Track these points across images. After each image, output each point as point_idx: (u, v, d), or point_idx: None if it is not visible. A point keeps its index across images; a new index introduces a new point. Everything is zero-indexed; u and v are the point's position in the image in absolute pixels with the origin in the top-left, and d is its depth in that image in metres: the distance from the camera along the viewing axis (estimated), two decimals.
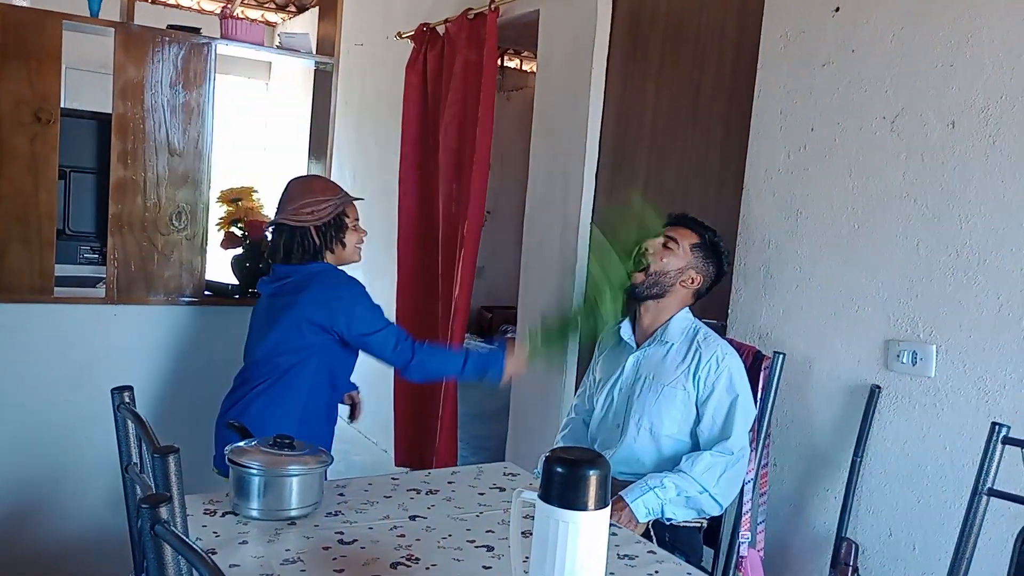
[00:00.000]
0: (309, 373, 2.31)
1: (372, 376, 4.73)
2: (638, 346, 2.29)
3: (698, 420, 2.17)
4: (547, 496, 1.21)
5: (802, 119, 2.43)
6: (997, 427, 1.71)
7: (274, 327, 2.32)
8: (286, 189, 2.42)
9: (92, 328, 2.83)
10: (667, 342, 2.23)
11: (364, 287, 2.35)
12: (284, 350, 2.30)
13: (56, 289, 2.78)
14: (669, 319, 2.25)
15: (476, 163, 3.57)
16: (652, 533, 2.06)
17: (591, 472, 1.20)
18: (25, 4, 2.77)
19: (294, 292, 2.31)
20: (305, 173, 2.62)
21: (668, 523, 2.09)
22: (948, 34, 2.09)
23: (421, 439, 4.20)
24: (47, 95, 2.69)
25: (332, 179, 2.57)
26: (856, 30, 2.30)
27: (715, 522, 2.24)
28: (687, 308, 2.28)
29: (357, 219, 2.46)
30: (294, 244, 2.35)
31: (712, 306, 2.63)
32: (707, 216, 2.71)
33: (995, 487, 1.71)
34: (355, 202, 2.46)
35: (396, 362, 2.32)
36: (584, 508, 1.19)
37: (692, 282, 2.25)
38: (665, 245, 2.25)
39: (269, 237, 2.45)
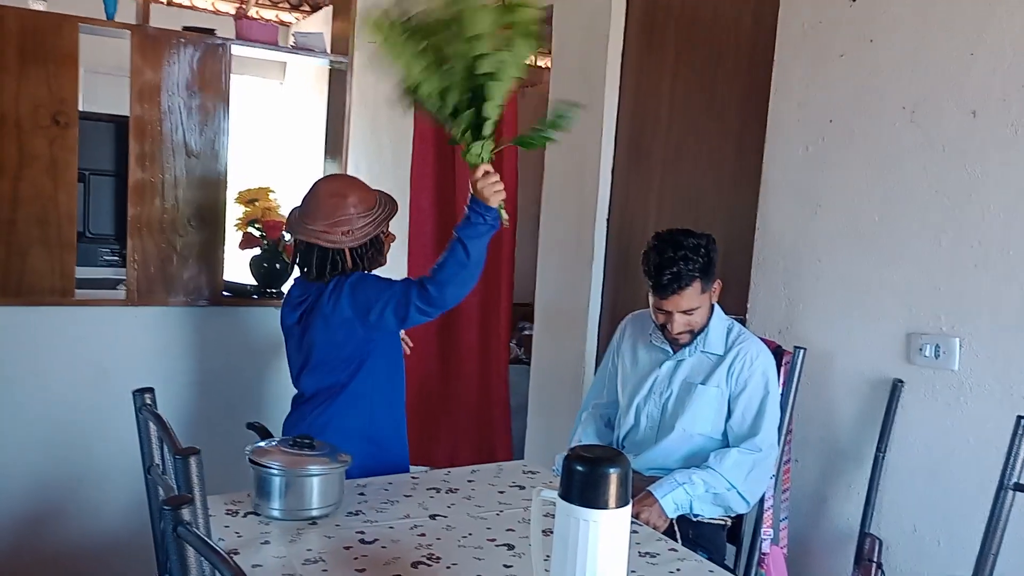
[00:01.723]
0: (368, 383, 2.19)
1: None
2: (673, 351, 2.26)
3: (728, 416, 2.16)
4: (567, 495, 1.21)
5: (820, 111, 2.41)
6: (1022, 420, 1.69)
7: (313, 350, 2.20)
8: (315, 195, 2.22)
9: (113, 330, 2.85)
10: (707, 351, 2.20)
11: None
12: (335, 369, 2.18)
13: (77, 291, 2.81)
14: (707, 326, 2.21)
15: (504, 162, 3.58)
16: (676, 529, 2.05)
17: (611, 470, 1.19)
18: (42, 8, 2.79)
19: (319, 307, 2.19)
20: (332, 174, 2.36)
21: (695, 519, 2.09)
22: (967, 22, 2.06)
23: (430, 437, 4.19)
24: (65, 98, 2.70)
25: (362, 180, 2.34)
26: (874, 20, 2.27)
27: (738, 519, 2.23)
28: (719, 309, 2.25)
29: (389, 226, 2.31)
30: (327, 264, 2.18)
31: (731, 300, 2.62)
32: (723, 211, 2.71)
33: (1021, 482, 1.69)
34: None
35: (423, 307, 2.08)
36: (605, 506, 1.19)
37: (716, 293, 2.22)
38: (687, 313, 2.13)
39: (292, 243, 2.25)
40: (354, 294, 2.15)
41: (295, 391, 2.31)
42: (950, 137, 2.09)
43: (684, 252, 2.09)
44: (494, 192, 2.03)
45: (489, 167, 2.02)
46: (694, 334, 2.19)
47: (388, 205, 2.27)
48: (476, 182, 2.03)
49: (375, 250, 2.24)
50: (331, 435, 1.99)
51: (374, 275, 2.22)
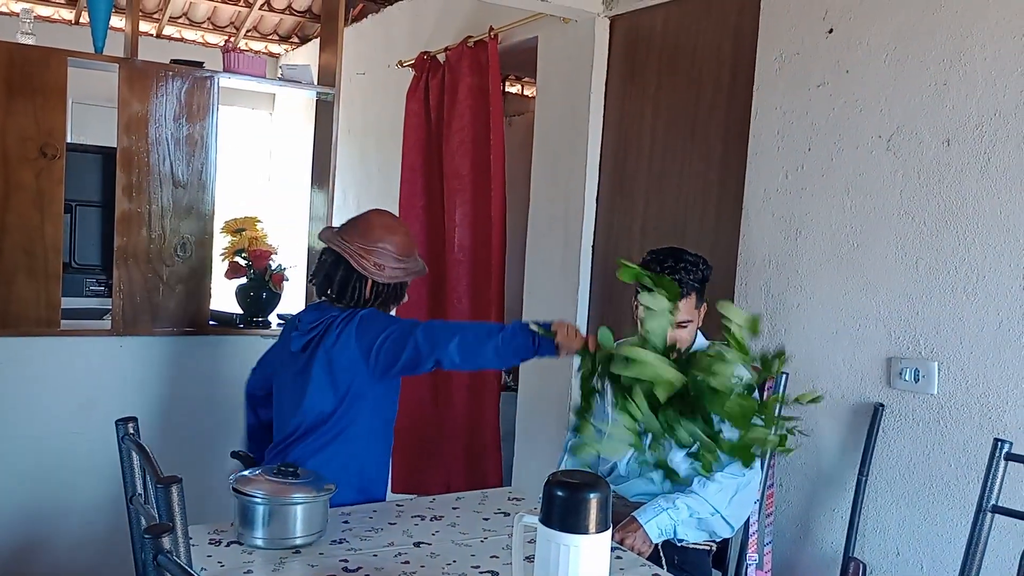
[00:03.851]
0: (363, 424, 2.14)
1: None
2: None
3: None
4: (548, 520, 1.22)
5: (799, 139, 2.45)
6: (999, 443, 1.71)
7: (310, 382, 2.12)
8: (365, 218, 2.23)
9: (98, 360, 2.85)
10: None
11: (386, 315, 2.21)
12: (332, 407, 2.11)
13: (62, 321, 2.80)
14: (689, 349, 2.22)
15: (493, 191, 3.63)
16: (662, 554, 2.05)
17: (592, 495, 1.20)
18: (31, 42, 2.82)
19: (325, 338, 2.13)
20: (386, 210, 2.34)
21: (679, 544, 2.09)
22: (940, 53, 2.11)
23: (422, 466, 4.16)
24: (53, 130, 2.72)
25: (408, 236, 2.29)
26: (850, 51, 2.32)
27: (723, 544, 2.24)
28: (700, 335, 2.27)
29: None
30: (348, 286, 2.15)
31: (715, 325, 2.63)
32: (707, 238, 2.73)
33: (1000, 504, 1.70)
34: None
35: (430, 357, 2.02)
36: (585, 531, 1.20)
37: (701, 317, 2.25)
38: (680, 326, 2.14)
39: (319, 254, 2.23)
40: (361, 328, 2.09)
41: (281, 423, 2.22)
42: (926, 165, 2.13)
43: (684, 264, 2.16)
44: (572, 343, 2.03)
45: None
46: (680, 354, 2.19)
47: (422, 263, 2.26)
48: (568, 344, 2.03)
49: (394, 295, 2.20)
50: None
51: (383, 313, 2.19)
